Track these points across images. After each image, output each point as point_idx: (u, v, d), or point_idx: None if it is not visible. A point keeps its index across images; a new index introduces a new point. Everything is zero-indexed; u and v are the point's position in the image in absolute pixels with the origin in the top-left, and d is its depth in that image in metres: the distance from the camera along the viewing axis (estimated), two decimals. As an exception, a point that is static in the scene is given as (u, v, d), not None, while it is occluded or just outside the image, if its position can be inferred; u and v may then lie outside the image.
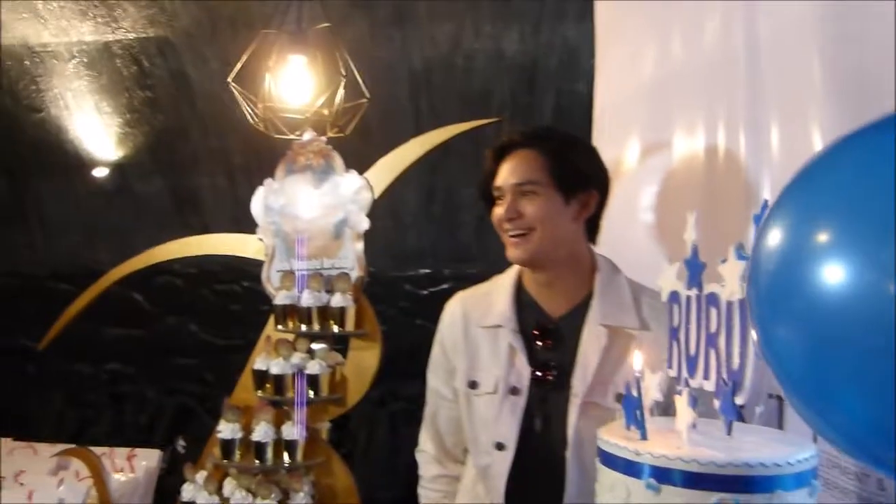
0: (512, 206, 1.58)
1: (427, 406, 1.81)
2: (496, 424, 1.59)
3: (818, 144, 1.67)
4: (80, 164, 3.63)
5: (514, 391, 1.58)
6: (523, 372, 1.58)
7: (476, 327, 1.66)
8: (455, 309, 1.72)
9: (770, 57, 1.82)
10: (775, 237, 0.79)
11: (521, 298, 1.66)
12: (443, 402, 1.74)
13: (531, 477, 1.59)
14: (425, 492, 1.79)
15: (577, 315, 1.61)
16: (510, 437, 1.57)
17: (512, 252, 1.59)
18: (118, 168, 3.62)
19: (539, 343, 1.62)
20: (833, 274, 0.69)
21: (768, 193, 1.82)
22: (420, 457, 1.83)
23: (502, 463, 1.58)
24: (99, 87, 3.49)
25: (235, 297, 3.46)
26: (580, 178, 1.62)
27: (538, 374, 1.59)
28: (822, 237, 0.72)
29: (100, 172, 3.64)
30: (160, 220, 3.58)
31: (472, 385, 1.64)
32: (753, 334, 1.13)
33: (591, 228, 1.68)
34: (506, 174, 1.60)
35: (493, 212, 1.63)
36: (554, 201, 1.59)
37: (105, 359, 3.52)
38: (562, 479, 1.55)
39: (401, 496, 2.99)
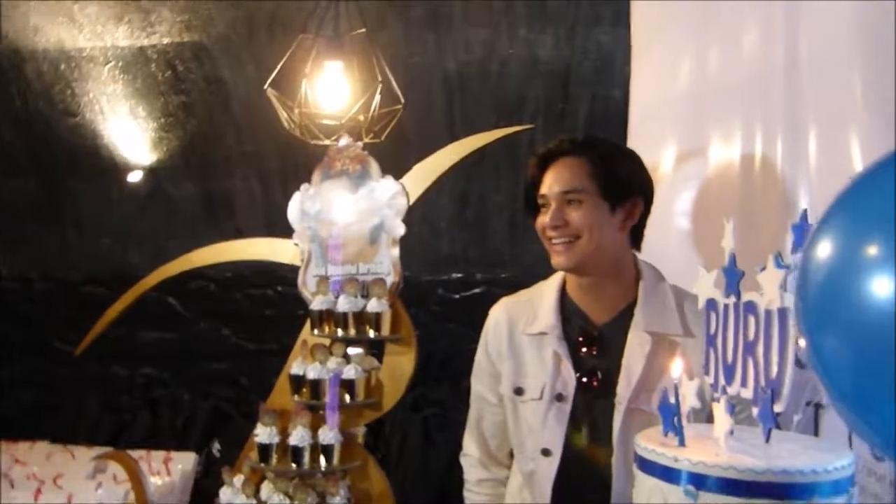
0: (558, 214, 1.61)
1: (471, 410, 1.84)
2: (542, 431, 1.62)
3: (856, 156, 1.71)
4: (114, 168, 3.74)
5: (559, 398, 1.62)
6: (569, 379, 1.62)
7: (521, 334, 1.70)
8: (500, 315, 1.76)
9: (810, 70, 1.85)
10: (825, 249, 0.84)
11: (566, 305, 1.70)
12: (487, 407, 1.78)
13: (577, 483, 1.63)
14: (471, 495, 1.83)
15: (622, 322, 1.64)
16: (556, 443, 1.61)
17: (557, 259, 1.63)
18: (152, 172, 3.73)
19: (584, 350, 1.65)
20: (880, 287, 0.74)
21: (805, 203, 1.86)
22: (465, 461, 1.86)
23: (548, 469, 1.62)
24: (134, 91, 3.60)
25: (269, 302, 3.54)
26: (626, 186, 1.65)
27: (584, 380, 1.63)
28: (871, 251, 0.76)
29: (134, 177, 3.75)
30: (193, 224, 3.68)
31: (518, 391, 1.68)
32: (792, 343, 1.17)
33: (635, 235, 1.70)
34: (550, 182, 1.64)
35: (538, 220, 1.67)
36: (600, 209, 1.62)
37: (140, 363, 3.63)
38: (608, 486, 1.60)
39: (434, 501, 3.06)
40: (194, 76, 3.53)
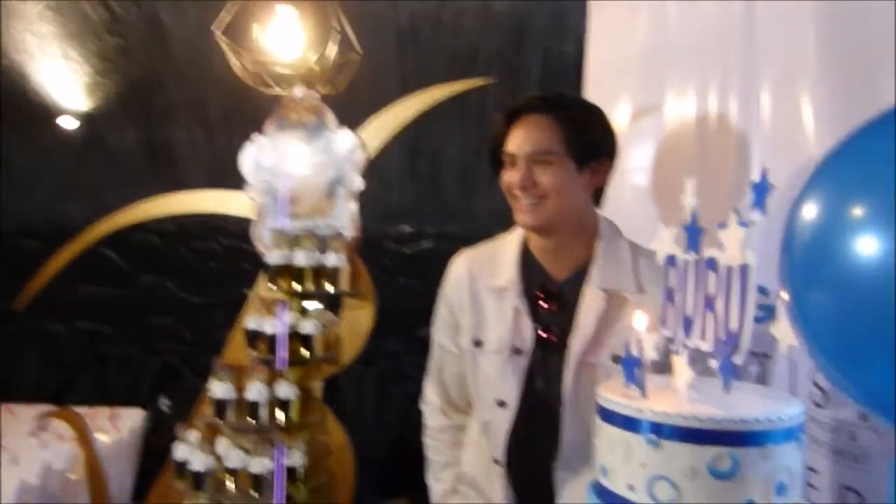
0: (526, 175, 1.61)
1: (432, 360, 1.86)
2: (499, 383, 1.67)
3: (808, 113, 1.75)
4: (46, 114, 3.56)
5: (517, 352, 1.66)
6: (527, 334, 1.66)
7: (482, 288, 1.72)
8: (461, 268, 1.77)
9: (766, 25, 1.87)
10: (811, 210, 0.87)
11: (527, 261, 1.72)
12: (448, 357, 1.80)
13: (531, 433, 1.67)
14: (432, 442, 1.86)
15: (579, 279, 1.67)
16: (511, 395, 1.65)
17: (522, 218, 1.64)
18: (88, 119, 3.56)
19: (543, 306, 1.68)
20: (866, 246, 0.77)
21: (758, 158, 1.90)
22: (425, 408, 1.89)
23: (503, 420, 1.66)
24: (66, 32, 3.41)
25: (214, 255, 3.46)
26: (594, 147, 1.65)
27: (542, 335, 1.66)
28: (857, 211, 0.79)
29: (69, 124, 3.58)
30: (134, 174, 3.54)
31: (477, 343, 1.70)
32: (753, 298, 1.22)
33: (597, 193, 1.72)
34: (519, 141, 1.63)
35: (503, 176, 1.66)
36: (568, 170, 1.62)
37: (81, 318, 3.52)
38: (559, 435, 1.63)
39: (390, 452, 3.09)
40: (132, 17, 3.36)
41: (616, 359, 1.58)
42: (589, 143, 1.64)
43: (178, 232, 3.50)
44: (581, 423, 1.60)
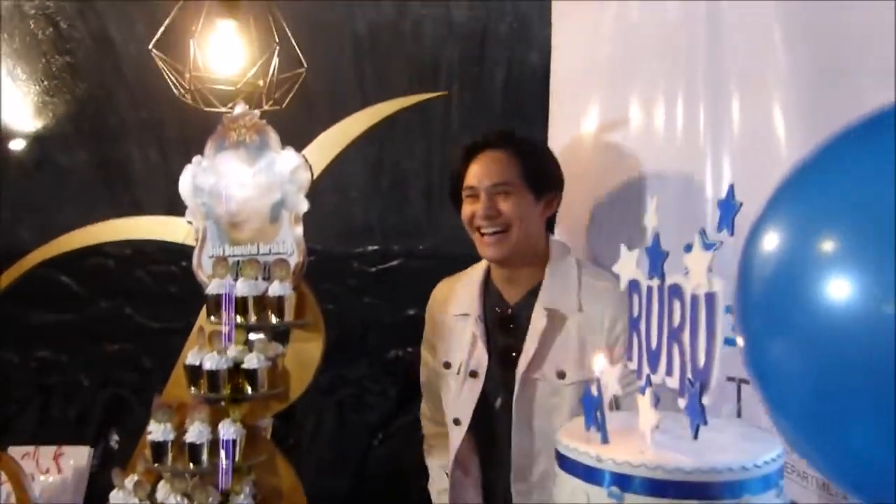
0: (490, 205, 1.74)
1: (421, 374, 2.01)
2: (456, 402, 1.82)
3: (779, 121, 1.63)
4: (-6, 135, 3.39)
5: (473, 374, 1.80)
6: (481, 358, 1.79)
7: (451, 314, 1.89)
8: (437, 294, 1.97)
9: (731, 31, 1.76)
10: (772, 240, 0.71)
11: (488, 288, 1.86)
12: (430, 373, 1.96)
13: (486, 447, 1.82)
14: (428, 448, 2.03)
15: (531, 300, 1.79)
16: (465, 414, 1.79)
17: (488, 251, 1.77)
18: (38, 140, 3.38)
19: (499, 329, 1.82)
20: (841, 288, 0.61)
21: (728, 170, 1.78)
22: (422, 418, 2.05)
23: (456, 437, 1.81)
24: (11, 51, 3.25)
25: (173, 279, 3.28)
26: (547, 178, 1.81)
27: (497, 357, 1.79)
28: (827, 244, 0.64)
29: (17, 144, 3.40)
30: (87, 195, 3.36)
31: (446, 365, 1.87)
32: (721, 330, 1.08)
33: (550, 221, 1.87)
34: (480, 175, 1.77)
35: (464, 210, 1.80)
36: (527, 200, 1.76)
37: (32, 346, 3.33)
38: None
39: (349, 488, 2.94)
40: (80, 35, 3.20)
41: (561, 374, 1.72)
42: (543, 175, 1.80)
43: (135, 255, 3.33)
44: (527, 433, 1.73)
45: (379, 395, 3.04)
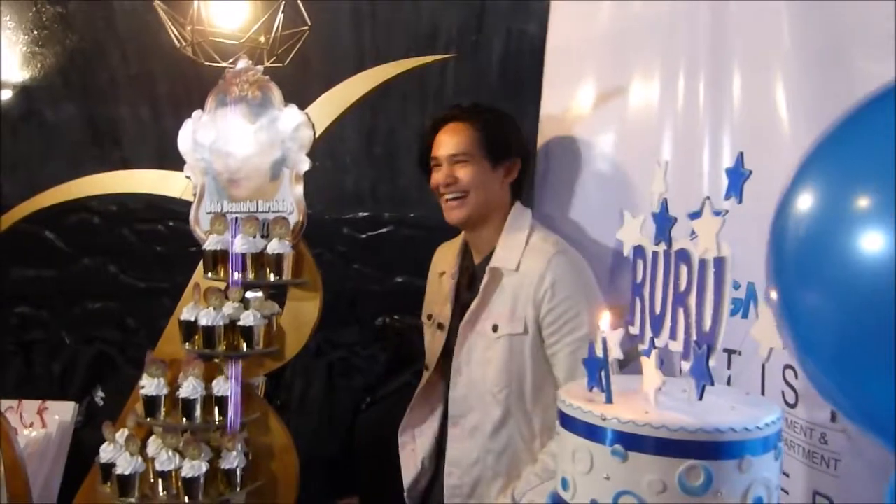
0: (449, 173, 1.91)
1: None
2: (428, 351, 2.05)
3: (781, 98, 1.64)
4: (-22, 85, 3.31)
5: (440, 326, 2.01)
6: (446, 312, 2.00)
7: (435, 273, 2.12)
8: (435, 256, 2.18)
9: (735, 8, 1.76)
10: (806, 200, 0.73)
11: (466, 250, 2.06)
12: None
13: (442, 391, 2.00)
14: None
15: (488, 261, 1.93)
16: (432, 361, 2.01)
17: (450, 214, 1.94)
18: (25, 91, 3.31)
19: (465, 286, 2.00)
20: (870, 241, 0.64)
21: (728, 145, 1.79)
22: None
23: (423, 379, 2.04)
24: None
25: (160, 238, 3.24)
26: (504, 147, 1.95)
27: (459, 311, 1.96)
28: (861, 202, 0.66)
29: (3, 95, 3.33)
30: (74, 151, 3.30)
31: (428, 318, 2.09)
32: (728, 293, 1.09)
33: (517, 188, 2.00)
34: (442, 145, 1.94)
35: (431, 178, 1.97)
36: (483, 168, 1.91)
37: (15, 302, 3.28)
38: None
39: (339, 449, 2.95)
40: (72, -16, 3.13)
41: (495, 328, 1.87)
42: (501, 144, 1.93)
43: (121, 212, 3.28)
44: (462, 383, 1.91)
45: (368, 359, 3.04)
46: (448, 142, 1.93)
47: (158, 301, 2.97)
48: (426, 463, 2.01)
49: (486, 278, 1.89)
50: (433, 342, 2.02)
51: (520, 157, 1.99)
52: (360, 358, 3.06)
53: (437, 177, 1.94)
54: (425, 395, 2.03)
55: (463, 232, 2.06)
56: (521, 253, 1.88)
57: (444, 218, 1.97)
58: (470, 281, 2.00)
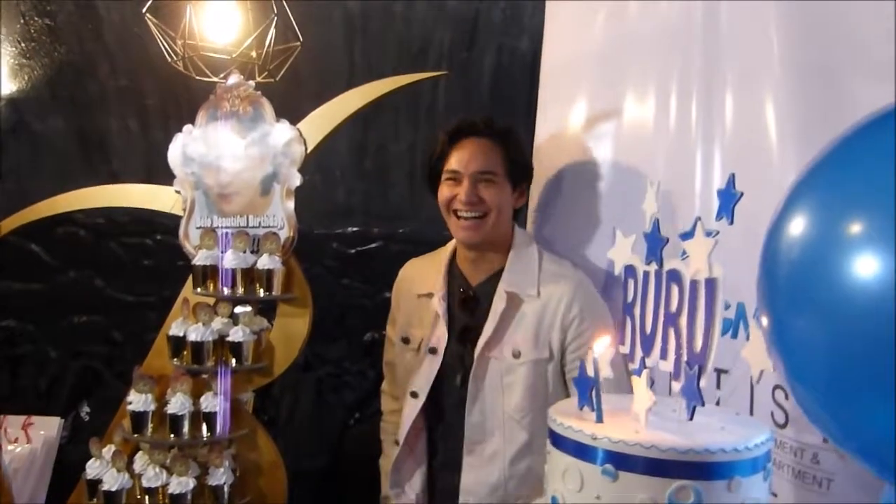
0: (473, 191, 1.81)
1: (385, 352, 2.10)
2: (415, 376, 1.90)
3: (771, 117, 1.66)
4: (-34, 97, 3.30)
5: (432, 351, 1.88)
6: (441, 336, 1.87)
7: (415, 293, 1.96)
8: (405, 273, 2.05)
9: (728, 27, 1.79)
10: (799, 224, 0.74)
11: (452, 270, 1.94)
12: (391, 348, 2.04)
13: (440, 422, 1.91)
14: (384, 424, 2.08)
15: (492, 283, 1.87)
16: (423, 388, 1.88)
17: (464, 234, 1.84)
18: (13, 103, 3.30)
19: (461, 308, 1.90)
20: (867, 267, 0.65)
21: (719, 166, 1.81)
22: (382, 395, 2.12)
23: (412, 409, 1.89)
24: (-11, 11, 3.17)
25: (147, 252, 3.23)
26: (524, 171, 1.92)
27: (458, 334, 1.87)
28: (854, 227, 0.67)
29: (-8, 108, 3.32)
30: (63, 164, 3.28)
31: (405, 340, 1.96)
32: (720, 315, 1.11)
33: (517, 213, 1.96)
34: (465, 160, 1.83)
35: (442, 191, 1.86)
36: (506, 189, 1.85)
37: (1, 316, 3.26)
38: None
39: (327, 465, 2.94)
40: (62, -3, 3.13)
41: (516, 354, 1.81)
42: (522, 167, 1.91)
43: (108, 226, 3.26)
44: (480, 409, 1.83)
45: (356, 375, 3.04)
46: (473, 157, 1.83)
47: (145, 315, 2.96)
48: (420, 497, 1.93)
49: (501, 303, 1.82)
50: (423, 367, 1.89)
51: (528, 180, 1.97)
52: (348, 374, 3.05)
53: (454, 192, 1.84)
54: (415, 426, 1.91)
55: (450, 250, 1.97)
56: (536, 277, 1.84)
57: (453, 235, 1.90)
58: (465, 303, 1.91)
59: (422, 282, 1.96)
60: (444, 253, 1.98)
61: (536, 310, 1.82)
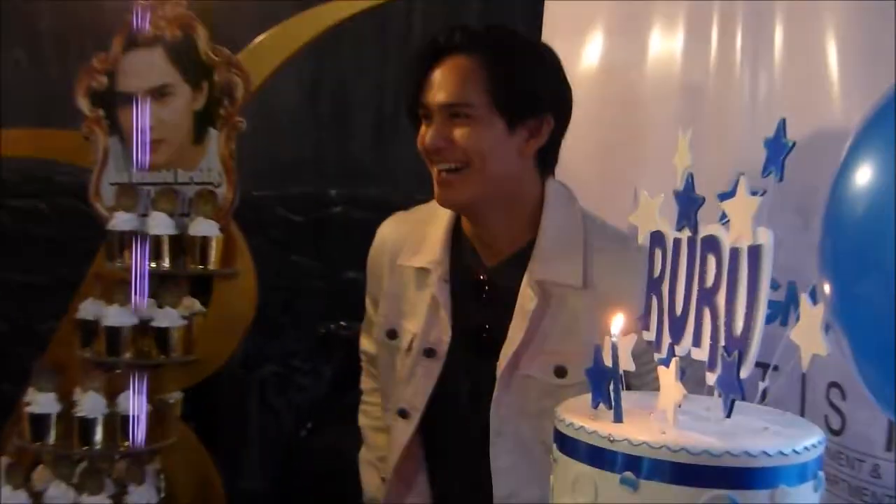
0: (439, 132, 1.58)
1: (362, 341, 1.90)
2: (404, 387, 1.69)
3: (831, 53, 1.72)
4: None
5: (428, 353, 1.66)
6: (443, 332, 1.65)
7: (404, 265, 1.72)
8: (386, 234, 1.78)
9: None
10: (865, 174, 0.79)
11: (458, 238, 1.71)
12: (372, 335, 1.81)
13: (453, 461, 1.71)
14: (363, 407, 1.90)
15: (516, 265, 1.65)
16: (416, 405, 1.66)
17: (442, 194, 1.62)
18: None
19: (470, 297, 1.68)
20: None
21: (766, 107, 1.86)
22: (363, 360, 1.92)
23: (402, 433, 1.68)
24: None
25: (41, 218, 3.24)
26: (530, 98, 1.62)
27: (464, 335, 1.66)
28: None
29: None
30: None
31: (390, 335, 1.73)
32: (766, 291, 1.16)
33: (546, 159, 1.69)
34: (435, 88, 1.60)
35: (418, 137, 1.65)
36: (494, 129, 1.59)
37: None
38: (480, 465, 1.62)
39: (272, 486, 2.99)
40: None
41: (560, 372, 1.60)
42: (523, 93, 1.60)
43: (-9, 185, 3.27)
44: (509, 447, 1.61)
45: (308, 374, 3.08)
46: (442, 84, 1.60)
47: (38, 299, 2.97)
48: None
49: (533, 300, 1.60)
50: (416, 376, 1.68)
51: (552, 113, 1.65)
52: (299, 373, 3.09)
53: (423, 136, 1.63)
54: (409, 459, 1.72)
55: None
56: (582, 259, 1.63)
57: (435, 198, 1.66)
58: (477, 288, 1.70)
59: (413, 250, 1.72)
60: (444, 214, 1.73)
61: (587, 306, 1.58)
